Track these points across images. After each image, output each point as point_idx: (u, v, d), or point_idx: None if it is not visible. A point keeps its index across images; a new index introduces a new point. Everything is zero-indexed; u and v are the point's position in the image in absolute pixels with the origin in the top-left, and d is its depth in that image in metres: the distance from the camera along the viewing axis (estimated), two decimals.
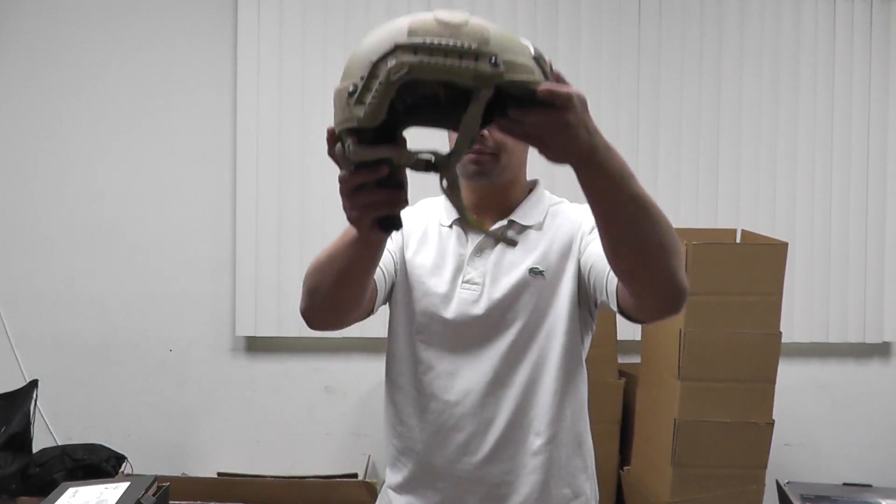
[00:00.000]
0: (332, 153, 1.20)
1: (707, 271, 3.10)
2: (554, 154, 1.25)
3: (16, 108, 3.89)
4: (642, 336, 3.48)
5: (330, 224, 3.73)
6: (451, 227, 1.79)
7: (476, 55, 1.11)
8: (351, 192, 1.21)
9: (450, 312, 1.72)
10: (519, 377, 1.71)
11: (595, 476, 1.91)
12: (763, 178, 3.86)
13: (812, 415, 3.94)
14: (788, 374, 3.39)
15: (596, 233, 1.63)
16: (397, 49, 1.13)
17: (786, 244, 3.18)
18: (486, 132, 1.67)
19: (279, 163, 3.80)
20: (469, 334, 1.72)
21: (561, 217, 1.79)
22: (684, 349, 3.11)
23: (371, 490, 3.43)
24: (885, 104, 3.88)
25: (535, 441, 1.74)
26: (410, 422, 1.77)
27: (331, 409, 3.89)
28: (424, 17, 1.15)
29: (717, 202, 3.86)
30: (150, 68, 3.88)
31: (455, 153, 1.21)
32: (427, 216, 1.83)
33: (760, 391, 3.18)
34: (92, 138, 3.89)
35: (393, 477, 1.83)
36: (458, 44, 1.12)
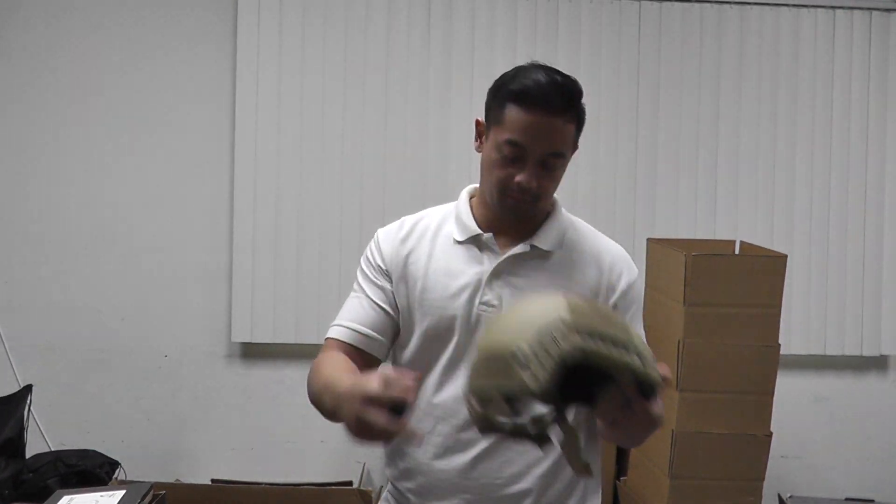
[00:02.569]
0: (474, 412, 1.27)
1: (706, 283, 3.10)
2: (627, 435, 1.54)
3: (12, 113, 3.87)
4: None
5: (327, 229, 3.72)
6: (462, 242, 1.73)
7: (626, 346, 1.23)
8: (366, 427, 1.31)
9: (463, 334, 1.68)
10: None
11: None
12: (761, 189, 3.86)
13: (809, 427, 3.93)
14: (785, 387, 3.38)
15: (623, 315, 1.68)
16: (565, 327, 1.22)
17: (785, 256, 3.18)
18: (532, 182, 1.63)
19: (277, 168, 3.78)
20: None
21: (583, 248, 1.75)
22: (682, 360, 3.10)
23: (366, 498, 3.41)
24: (884, 117, 3.88)
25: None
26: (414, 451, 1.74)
27: None
28: (572, 297, 1.28)
29: (716, 213, 3.85)
30: (147, 75, 3.86)
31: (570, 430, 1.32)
32: (432, 230, 1.76)
33: (758, 403, 3.17)
34: (88, 144, 3.87)
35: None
36: (616, 335, 1.23)
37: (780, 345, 3.17)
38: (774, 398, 3.18)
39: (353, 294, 1.79)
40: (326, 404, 1.56)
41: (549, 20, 3.81)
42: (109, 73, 3.86)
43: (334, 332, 1.75)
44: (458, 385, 1.67)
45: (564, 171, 1.69)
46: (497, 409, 1.24)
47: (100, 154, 3.88)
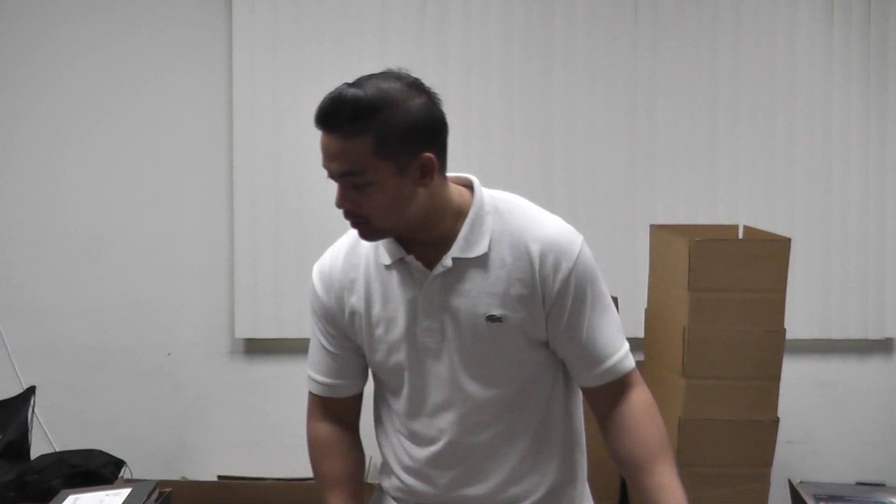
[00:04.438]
0: None
1: (709, 268, 3.08)
2: None
3: (7, 115, 3.86)
4: (645, 334, 3.46)
5: (327, 222, 3.70)
6: (390, 267, 1.64)
7: None
8: None
9: (414, 364, 1.66)
10: (490, 422, 1.67)
11: None
12: (764, 173, 3.84)
13: (815, 412, 3.92)
14: (790, 371, 3.37)
15: (570, 315, 1.61)
16: None
17: (788, 240, 3.17)
18: (341, 203, 1.54)
19: (276, 163, 3.77)
20: (437, 383, 1.66)
21: (513, 247, 1.61)
22: (688, 346, 3.10)
23: (371, 491, 3.40)
24: (885, 98, 3.85)
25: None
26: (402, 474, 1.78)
27: None
28: None
29: (718, 198, 3.83)
30: (144, 72, 3.85)
31: None
32: (360, 259, 1.69)
33: (765, 388, 3.16)
34: (87, 144, 3.86)
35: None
36: None
37: (785, 329, 3.16)
38: (780, 383, 3.17)
39: (312, 332, 1.79)
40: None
41: (543, 7, 3.79)
42: (107, 73, 3.85)
43: (309, 385, 1.80)
44: (426, 415, 1.68)
45: (390, 193, 1.52)
46: None
47: (99, 153, 3.87)
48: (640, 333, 3.53)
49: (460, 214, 1.62)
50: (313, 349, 1.78)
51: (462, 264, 1.60)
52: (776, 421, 3.16)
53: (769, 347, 3.14)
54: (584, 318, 1.63)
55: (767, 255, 3.14)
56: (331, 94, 1.51)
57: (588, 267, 1.63)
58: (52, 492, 2.98)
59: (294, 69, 3.78)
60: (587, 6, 3.80)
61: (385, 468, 1.82)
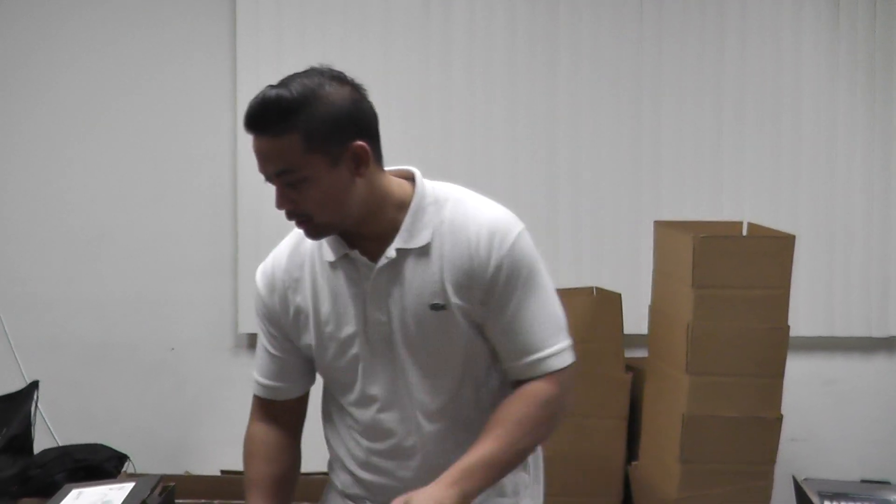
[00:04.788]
0: None
1: (714, 264, 3.08)
2: None
3: (10, 111, 3.86)
4: (649, 330, 3.46)
5: None
6: (335, 263, 1.65)
7: None
8: None
9: (367, 357, 1.67)
10: (441, 412, 1.68)
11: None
12: (768, 169, 3.83)
13: (818, 410, 3.91)
14: (794, 369, 3.36)
15: (499, 301, 1.60)
16: None
17: (793, 237, 3.16)
18: (280, 204, 1.56)
19: None
20: (389, 375, 1.67)
21: (452, 235, 1.61)
22: (692, 343, 3.09)
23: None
24: (890, 96, 3.84)
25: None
26: (358, 470, 1.78)
27: None
28: None
29: (723, 194, 3.83)
30: (148, 68, 3.86)
31: None
32: (304, 258, 1.69)
33: (768, 386, 3.16)
34: (89, 139, 3.87)
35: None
36: None
37: (789, 326, 3.15)
38: (784, 381, 3.16)
39: (258, 334, 1.80)
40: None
41: (548, 4, 3.78)
42: (111, 69, 3.86)
43: (253, 387, 1.82)
44: (379, 410, 1.69)
45: (327, 186, 1.53)
46: None
47: (103, 149, 3.87)
48: (644, 330, 3.53)
49: (402, 206, 1.63)
50: (258, 351, 1.79)
51: (406, 255, 1.61)
52: (780, 418, 3.16)
53: (773, 344, 3.14)
54: (511, 307, 1.61)
55: (771, 252, 3.13)
56: (255, 97, 1.52)
57: (524, 256, 1.62)
58: (56, 486, 2.98)
59: (298, 65, 3.75)
60: (592, 3, 3.79)
61: (336, 465, 1.82)
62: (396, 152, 3.87)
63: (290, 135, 1.49)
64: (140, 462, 3.62)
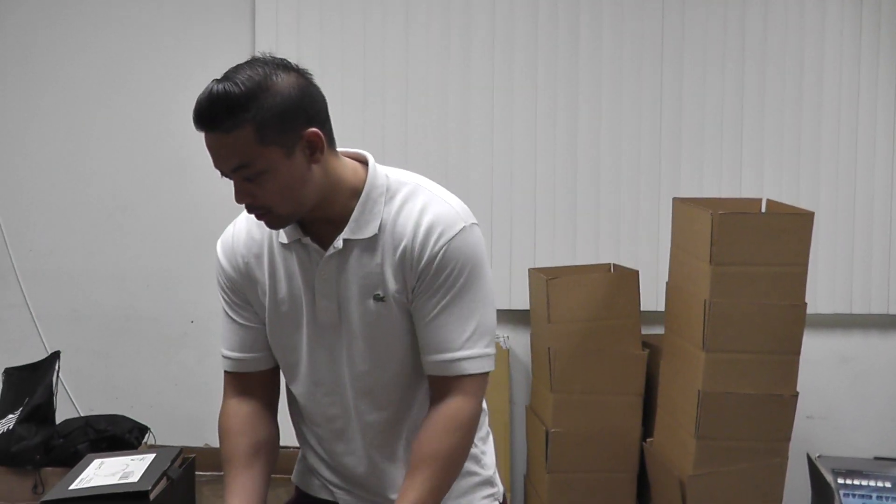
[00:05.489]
0: None
1: (732, 241, 3.07)
2: None
3: (32, 82, 3.88)
4: (666, 307, 3.45)
5: None
6: (288, 246, 1.66)
7: None
8: None
9: (313, 342, 1.68)
10: (382, 402, 1.69)
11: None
12: (788, 147, 3.81)
13: (835, 387, 3.91)
14: (811, 346, 3.36)
15: (424, 294, 1.60)
16: None
17: (811, 214, 3.14)
18: (240, 198, 1.56)
19: None
20: (333, 362, 1.68)
21: (396, 227, 1.61)
22: (709, 320, 3.08)
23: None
24: None
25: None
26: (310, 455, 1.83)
27: None
28: None
29: (742, 172, 3.82)
30: (168, 44, 3.86)
31: None
32: (264, 235, 1.70)
33: (785, 363, 3.15)
34: (111, 112, 3.89)
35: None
36: None
37: (806, 304, 3.15)
38: (800, 358, 3.16)
39: (222, 309, 1.80)
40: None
41: None
42: (133, 41, 3.88)
43: (222, 364, 1.82)
44: (323, 394, 1.71)
45: (286, 175, 1.52)
46: None
47: (124, 122, 3.89)
48: (661, 307, 3.53)
49: (355, 193, 1.62)
50: (223, 326, 1.80)
51: (352, 245, 1.61)
52: (795, 395, 3.15)
53: (790, 322, 3.13)
54: (436, 301, 1.60)
55: (790, 229, 3.12)
56: (201, 94, 1.50)
57: (461, 254, 1.60)
58: (78, 456, 3.03)
59: (317, 40, 3.77)
60: None
61: (301, 440, 1.86)
62: (415, 126, 3.92)
63: (243, 129, 1.47)
64: (160, 434, 3.67)
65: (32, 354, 3.79)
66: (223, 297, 1.78)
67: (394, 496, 1.69)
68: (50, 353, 3.75)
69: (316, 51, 3.76)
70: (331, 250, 1.61)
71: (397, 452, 1.72)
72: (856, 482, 2.94)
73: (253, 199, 1.54)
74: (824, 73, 3.80)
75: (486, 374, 1.65)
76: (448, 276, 1.59)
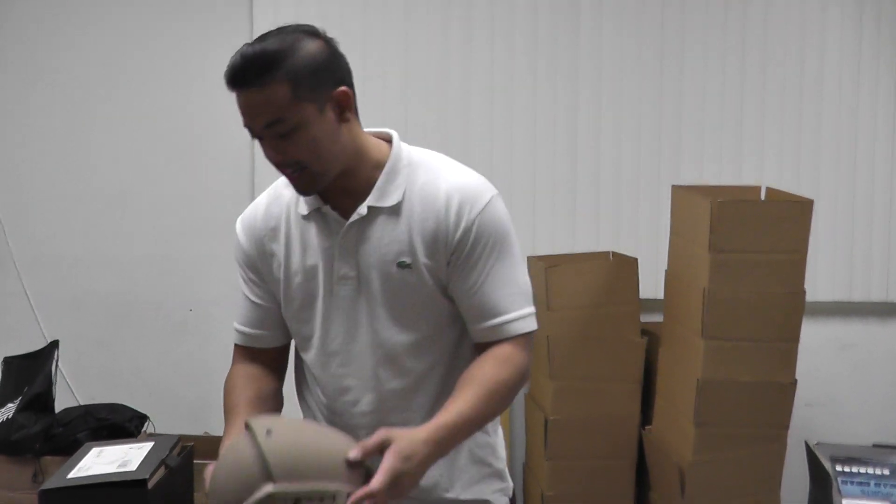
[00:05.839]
0: None
1: (731, 229, 3.07)
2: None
3: (32, 70, 3.88)
4: (665, 294, 3.45)
5: None
6: (308, 217, 1.68)
7: (333, 497, 1.40)
8: None
9: (329, 311, 1.69)
10: (403, 369, 1.70)
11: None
12: (788, 134, 3.80)
13: (834, 374, 3.91)
14: (810, 334, 3.36)
15: (465, 263, 1.63)
16: (272, 498, 1.37)
17: (811, 201, 3.14)
18: (273, 156, 1.58)
19: None
20: (351, 331, 1.69)
21: (423, 197, 1.64)
22: (708, 308, 3.09)
23: None
24: None
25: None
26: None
27: None
28: (271, 452, 1.39)
29: (742, 159, 3.81)
30: (167, 28, 3.85)
31: None
32: (282, 210, 1.73)
33: (783, 350, 3.15)
34: (110, 99, 3.88)
35: None
36: (312, 489, 1.38)
37: (805, 291, 3.15)
38: (800, 345, 3.16)
39: (240, 283, 1.81)
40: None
41: None
42: (132, 28, 3.88)
43: (234, 337, 1.83)
44: (337, 366, 1.71)
45: (318, 130, 1.55)
46: None
47: (123, 108, 3.89)
48: (660, 294, 3.53)
49: (378, 166, 1.66)
50: (239, 300, 1.81)
51: (376, 213, 1.64)
52: (794, 383, 3.16)
53: (789, 309, 3.13)
54: (477, 271, 1.64)
55: (789, 216, 3.11)
56: (234, 56, 1.54)
57: (495, 221, 1.65)
58: (78, 444, 3.04)
59: (316, 24, 3.76)
60: None
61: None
62: (415, 114, 3.89)
63: (277, 84, 1.51)
64: (160, 422, 3.67)
65: (31, 342, 3.79)
66: (241, 274, 1.80)
67: None
68: (49, 341, 3.76)
69: (315, 17, 3.74)
70: (354, 216, 1.64)
71: (409, 423, 1.69)
72: (854, 469, 2.94)
73: (285, 155, 1.57)
74: (825, 60, 3.79)
75: (532, 332, 1.68)
76: (486, 246, 1.63)
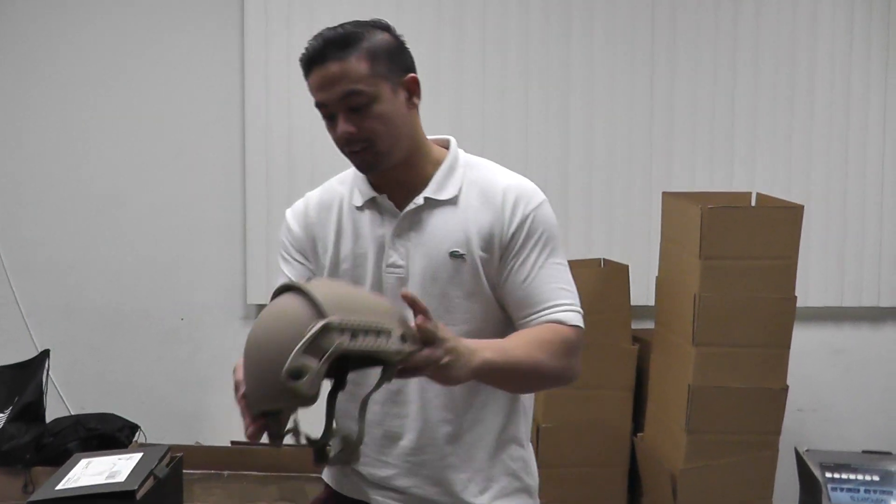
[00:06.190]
0: (260, 428, 1.35)
1: (722, 235, 3.07)
2: (445, 382, 1.49)
3: (23, 76, 3.87)
4: (656, 301, 3.46)
5: None
6: (362, 207, 1.72)
7: (389, 332, 1.33)
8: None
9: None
10: None
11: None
12: (778, 140, 3.81)
13: (825, 380, 3.91)
14: (802, 339, 3.36)
15: (518, 256, 1.66)
16: (328, 329, 1.29)
17: (801, 207, 3.15)
18: (347, 127, 1.61)
19: (289, 127, 3.77)
20: None
21: (480, 193, 1.70)
22: (699, 314, 3.09)
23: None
24: None
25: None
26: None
27: None
28: (318, 290, 1.33)
29: (732, 165, 3.82)
30: (158, 35, 3.85)
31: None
32: (334, 200, 1.76)
33: (775, 356, 3.16)
34: (101, 105, 3.87)
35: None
36: (361, 322, 1.32)
37: (796, 297, 3.15)
38: (791, 351, 3.16)
39: (280, 273, 1.80)
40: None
41: None
42: (123, 34, 3.87)
43: None
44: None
45: (390, 107, 1.62)
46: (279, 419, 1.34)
47: (114, 114, 3.88)
48: (651, 301, 3.54)
49: (436, 162, 1.72)
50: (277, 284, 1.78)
51: (433, 204, 1.69)
52: (785, 389, 3.16)
53: (780, 315, 3.14)
54: (531, 262, 1.67)
55: (780, 222, 3.12)
56: (311, 41, 1.63)
57: (548, 219, 1.70)
58: (69, 454, 3.03)
59: (307, 31, 3.74)
60: None
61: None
62: None
63: (357, 57, 1.60)
64: (151, 431, 3.66)
65: (22, 351, 3.78)
66: (284, 257, 1.81)
67: (429, 485, 1.71)
68: (40, 349, 3.75)
69: (306, 19, 3.74)
70: (410, 206, 1.68)
71: (448, 416, 1.71)
72: (844, 476, 2.93)
73: (358, 129, 1.61)
74: (815, 67, 3.80)
75: (582, 330, 1.68)
76: (539, 239, 1.67)
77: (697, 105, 3.81)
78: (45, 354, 3.66)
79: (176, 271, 3.91)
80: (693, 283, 3.11)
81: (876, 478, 2.91)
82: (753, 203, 3.39)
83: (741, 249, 3.09)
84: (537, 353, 1.59)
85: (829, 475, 2.91)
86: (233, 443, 3.75)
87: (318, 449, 1.41)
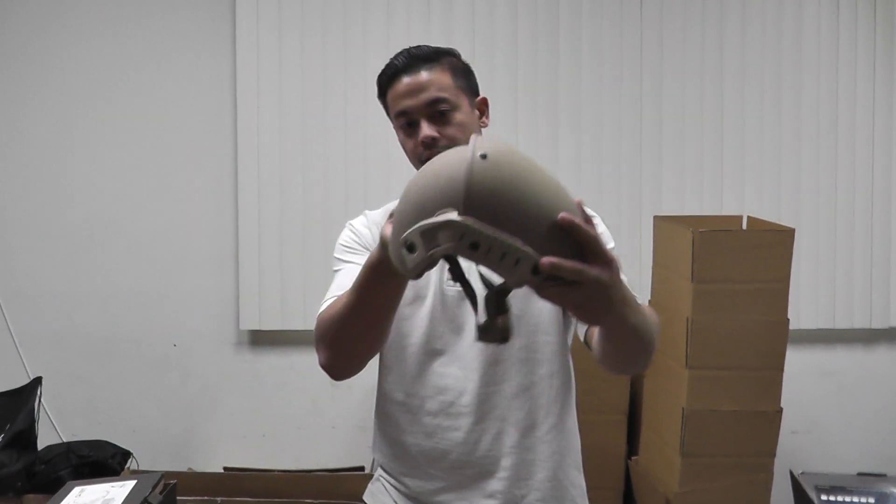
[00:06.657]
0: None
1: (713, 259, 3.08)
2: (588, 318, 1.38)
3: (15, 105, 3.87)
4: None
5: (331, 214, 3.70)
6: None
7: (517, 260, 1.16)
8: None
9: (437, 313, 1.72)
10: (511, 373, 1.72)
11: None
12: (768, 163, 3.83)
13: (819, 402, 3.92)
14: (794, 361, 3.37)
15: None
16: (450, 226, 1.15)
17: (792, 230, 3.16)
18: (431, 131, 1.67)
19: (280, 154, 3.78)
20: (457, 330, 1.72)
21: None
22: (691, 337, 3.09)
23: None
24: (891, 88, 3.84)
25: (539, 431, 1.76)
26: (404, 436, 1.79)
27: (336, 402, 3.87)
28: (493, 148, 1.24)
29: (723, 189, 3.83)
30: (148, 63, 3.85)
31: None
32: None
33: (768, 379, 3.16)
34: (91, 132, 3.87)
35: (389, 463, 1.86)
36: (511, 248, 1.14)
37: (788, 319, 3.16)
38: (784, 373, 3.17)
39: (336, 273, 1.79)
40: (347, 310, 1.53)
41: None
42: (113, 62, 3.85)
43: (328, 305, 1.71)
44: (439, 365, 1.73)
45: (468, 118, 1.71)
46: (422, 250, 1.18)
47: (104, 143, 3.87)
48: None
49: None
50: (339, 279, 1.75)
51: None
52: (779, 411, 3.16)
53: (773, 338, 3.14)
54: None
55: (771, 245, 3.13)
56: (394, 58, 1.73)
57: (606, 228, 1.75)
58: (60, 482, 3.01)
59: (298, 59, 3.77)
60: None
61: (378, 441, 1.87)
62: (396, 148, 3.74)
63: (443, 67, 1.71)
64: (143, 458, 3.64)
65: (14, 378, 3.77)
66: (347, 249, 1.80)
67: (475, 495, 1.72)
68: (32, 376, 3.73)
69: (296, 50, 3.77)
70: None
71: (504, 425, 1.73)
72: (839, 498, 2.94)
73: (441, 133, 1.67)
74: (804, 90, 3.83)
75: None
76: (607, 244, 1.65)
77: (687, 128, 3.83)
78: (37, 382, 3.65)
79: (168, 298, 3.90)
80: (685, 306, 3.12)
81: (871, 500, 2.92)
82: (744, 225, 3.41)
83: (733, 273, 3.10)
84: (653, 316, 1.57)
85: (824, 497, 2.92)
86: (225, 469, 3.74)
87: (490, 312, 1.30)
